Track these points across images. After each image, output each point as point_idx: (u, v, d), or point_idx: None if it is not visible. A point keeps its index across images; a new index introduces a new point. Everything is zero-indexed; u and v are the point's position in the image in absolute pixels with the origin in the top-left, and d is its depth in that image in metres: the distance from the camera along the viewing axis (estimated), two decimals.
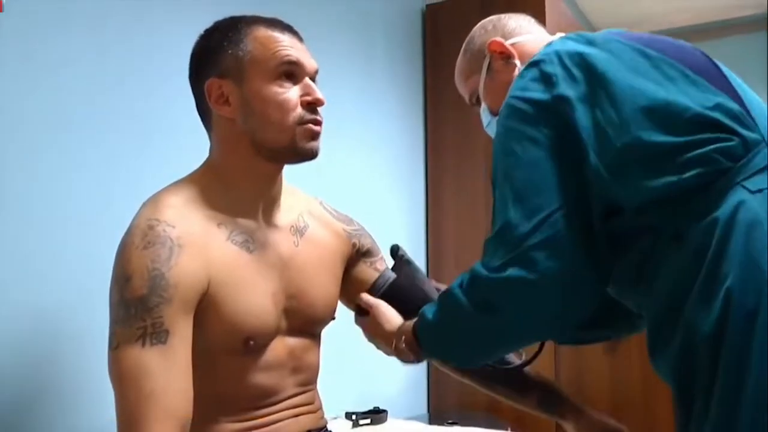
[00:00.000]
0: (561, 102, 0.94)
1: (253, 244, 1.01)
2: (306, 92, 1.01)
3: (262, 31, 1.00)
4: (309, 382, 1.10)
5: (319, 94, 1.01)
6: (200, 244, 0.93)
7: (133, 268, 0.88)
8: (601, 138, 0.91)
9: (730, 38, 4.15)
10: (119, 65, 1.46)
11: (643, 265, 0.92)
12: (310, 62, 1.03)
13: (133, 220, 0.94)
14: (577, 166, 0.92)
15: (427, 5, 2.73)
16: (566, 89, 0.94)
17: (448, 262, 2.62)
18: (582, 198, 0.92)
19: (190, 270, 0.90)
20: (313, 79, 1.04)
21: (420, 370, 2.61)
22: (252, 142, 1.00)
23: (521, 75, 1.02)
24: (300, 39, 1.04)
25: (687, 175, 0.86)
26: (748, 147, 0.86)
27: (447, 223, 2.65)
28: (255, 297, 0.99)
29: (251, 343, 0.98)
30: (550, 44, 1.04)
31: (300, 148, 1.00)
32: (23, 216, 1.25)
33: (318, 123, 1.01)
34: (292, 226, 1.09)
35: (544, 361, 2.37)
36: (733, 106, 0.89)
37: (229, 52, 1.00)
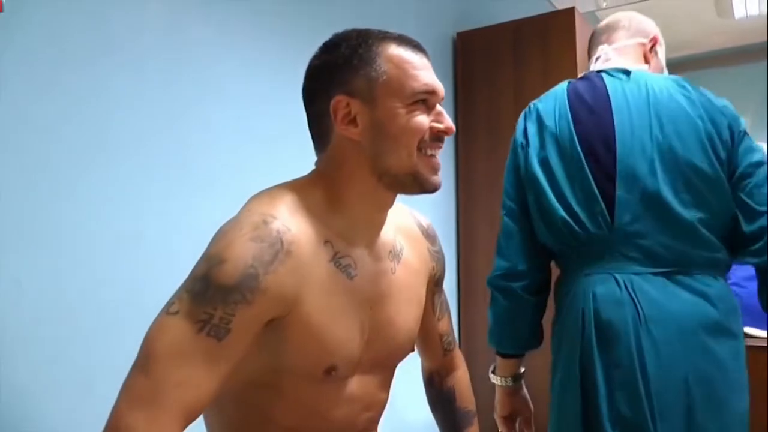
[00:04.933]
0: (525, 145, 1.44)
1: (355, 269, 0.96)
2: (437, 119, 0.95)
3: (394, 49, 0.94)
4: (375, 419, 1.05)
5: (450, 122, 0.96)
6: (305, 259, 0.88)
7: (232, 254, 0.82)
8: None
9: None
10: (156, 91, 1.47)
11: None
12: (441, 88, 0.97)
13: (242, 212, 0.89)
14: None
15: (457, 33, 2.73)
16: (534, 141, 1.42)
17: (480, 290, 2.58)
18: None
19: (284, 282, 0.85)
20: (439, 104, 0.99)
21: None
22: (373, 168, 0.94)
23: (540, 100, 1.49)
24: (428, 57, 0.99)
25: (556, 240, 1.38)
26: (592, 240, 1.32)
27: (478, 252, 2.62)
28: (346, 325, 0.94)
29: (333, 372, 0.92)
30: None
31: (423, 178, 0.95)
32: (58, 243, 1.26)
33: (437, 154, 0.97)
34: (391, 251, 1.04)
35: None
36: (598, 208, 1.31)
37: (360, 70, 0.93)
